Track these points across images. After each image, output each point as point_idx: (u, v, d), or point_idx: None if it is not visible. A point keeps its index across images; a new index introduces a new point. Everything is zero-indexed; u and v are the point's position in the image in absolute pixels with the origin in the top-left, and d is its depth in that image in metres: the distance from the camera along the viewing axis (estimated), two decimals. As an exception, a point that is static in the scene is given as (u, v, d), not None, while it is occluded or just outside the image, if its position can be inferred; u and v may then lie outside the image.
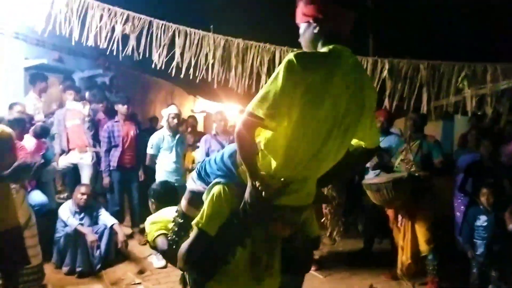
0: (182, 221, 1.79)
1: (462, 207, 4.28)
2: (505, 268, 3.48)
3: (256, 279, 1.65)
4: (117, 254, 4.46)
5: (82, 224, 4.26)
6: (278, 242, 1.71)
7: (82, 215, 4.38)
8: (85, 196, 4.36)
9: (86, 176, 4.93)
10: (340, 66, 1.43)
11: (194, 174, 1.79)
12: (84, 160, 4.95)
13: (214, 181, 1.60)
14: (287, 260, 1.76)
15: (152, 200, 2.49)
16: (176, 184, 4.57)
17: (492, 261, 3.52)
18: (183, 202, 1.80)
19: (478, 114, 4.75)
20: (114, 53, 3.88)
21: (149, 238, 2.06)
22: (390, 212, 4.05)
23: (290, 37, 4.23)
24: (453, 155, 4.99)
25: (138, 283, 4.03)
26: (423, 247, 3.80)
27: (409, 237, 3.86)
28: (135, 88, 6.80)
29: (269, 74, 3.90)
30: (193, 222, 1.60)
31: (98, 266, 4.21)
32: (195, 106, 9.47)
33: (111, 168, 4.95)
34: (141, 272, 4.31)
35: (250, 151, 1.44)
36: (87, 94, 5.34)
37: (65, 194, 5.47)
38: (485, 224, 3.56)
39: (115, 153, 4.94)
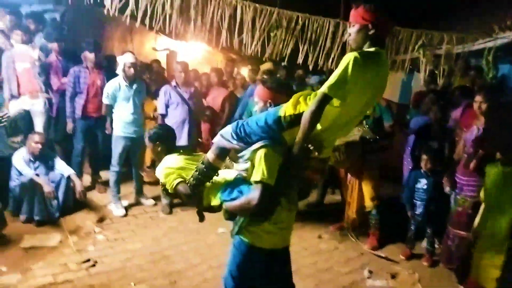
0: (207, 170, 2.11)
1: (409, 167, 4.56)
2: (439, 226, 3.85)
3: (287, 209, 2.10)
4: (76, 202, 4.49)
5: (37, 174, 4.23)
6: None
7: (36, 164, 4.33)
8: (39, 145, 4.28)
9: (39, 123, 4.76)
10: (382, 64, 1.92)
11: (226, 133, 2.04)
12: (36, 107, 4.75)
13: (261, 143, 1.93)
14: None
15: (157, 143, 2.53)
16: (134, 136, 4.58)
17: (428, 220, 3.87)
18: (211, 155, 2.09)
19: (434, 73, 4.88)
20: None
21: (168, 186, 2.24)
22: (340, 171, 4.28)
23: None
24: (407, 114, 5.17)
25: (97, 232, 4.15)
26: (368, 203, 4.11)
27: (356, 194, 4.15)
28: (90, 24, 6.28)
29: (229, 29, 3.76)
30: (255, 179, 1.89)
31: (57, 215, 4.27)
32: (156, 44, 9.00)
33: (76, 116, 4.84)
34: (100, 220, 4.42)
35: (316, 123, 1.82)
36: (37, 35, 4.93)
37: (18, 139, 5.30)
38: (425, 187, 3.85)
39: (80, 101, 4.80)
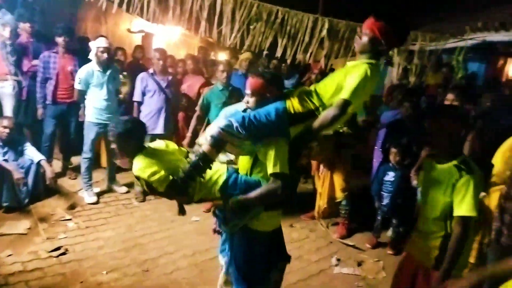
0: (202, 163, 2.05)
1: (379, 160, 4.71)
2: (404, 217, 4.02)
3: None
4: (46, 188, 4.42)
5: (6, 160, 4.12)
6: None
7: (5, 149, 4.21)
8: (7, 130, 4.16)
9: (8, 107, 4.62)
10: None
11: (228, 126, 2.00)
12: (4, 89, 4.59)
13: (274, 137, 2.03)
14: None
15: (127, 139, 2.26)
16: (108, 122, 4.49)
17: (394, 211, 4.03)
18: (208, 147, 2.05)
19: (407, 69, 5.02)
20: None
21: (157, 185, 2.10)
22: (313, 162, 4.38)
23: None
24: (378, 110, 5.30)
25: (68, 219, 4.10)
26: (339, 194, 4.23)
27: (327, 185, 4.26)
28: (62, 4, 6.08)
29: (209, 20, 3.73)
30: (276, 171, 1.99)
31: (26, 201, 4.19)
32: (132, 26, 8.76)
33: (47, 102, 4.70)
34: (71, 207, 4.36)
35: (334, 125, 2.09)
36: (8, 16, 4.70)
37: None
38: (392, 179, 4.00)
39: (49, 87, 4.66)
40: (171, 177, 2.10)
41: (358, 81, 1.98)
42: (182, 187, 2.09)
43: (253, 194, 2.08)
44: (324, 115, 2.03)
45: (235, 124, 2.00)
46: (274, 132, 2.03)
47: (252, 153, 2.17)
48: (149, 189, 2.21)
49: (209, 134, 2.10)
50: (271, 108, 2.06)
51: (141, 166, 2.14)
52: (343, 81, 2.07)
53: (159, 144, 2.37)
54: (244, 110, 2.22)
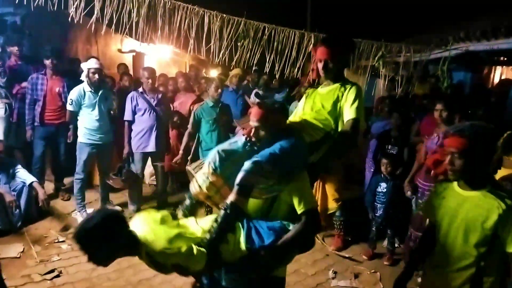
0: (234, 215, 1.81)
1: (372, 169, 4.75)
2: (399, 228, 4.02)
3: None
4: (39, 211, 4.38)
5: (-3, 184, 4.10)
6: None
7: (-4, 172, 4.19)
8: (-2, 153, 4.15)
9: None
10: None
11: (255, 168, 1.81)
12: (-4, 113, 4.59)
13: (298, 172, 1.96)
14: None
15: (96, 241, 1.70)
16: (100, 142, 4.51)
17: (388, 222, 4.04)
18: (235, 197, 1.81)
19: (395, 80, 5.10)
20: (25, 2, 3.51)
21: (196, 265, 1.75)
22: (306, 175, 4.40)
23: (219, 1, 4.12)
24: (369, 122, 5.36)
25: (61, 241, 4.07)
26: (332, 205, 4.22)
27: (320, 196, 4.25)
28: (53, 26, 6.10)
29: (197, 38, 3.80)
30: (308, 208, 1.90)
31: (19, 224, 4.15)
32: (122, 46, 8.84)
33: (35, 123, 4.71)
34: (65, 228, 4.33)
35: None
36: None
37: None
38: (384, 190, 4.02)
39: (38, 108, 4.68)
40: (203, 249, 1.76)
41: (359, 100, 2.18)
42: (217, 256, 1.80)
43: (287, 239, 1.87)
44: (344, 135, 2.15)
45: (263, 163, 1.82)
46: (299, 165, 1.95)
47: (273, 194, 1.99)
48: (179, 271, 1.82)
49: (235, 182, 1.83)
50: (292, 141, 1.93)
51: (164, 252, 1.70)
52: (330, 105, 2.22)
53: (143, 220, 1.84)
54: (251, 145, 2.03)
